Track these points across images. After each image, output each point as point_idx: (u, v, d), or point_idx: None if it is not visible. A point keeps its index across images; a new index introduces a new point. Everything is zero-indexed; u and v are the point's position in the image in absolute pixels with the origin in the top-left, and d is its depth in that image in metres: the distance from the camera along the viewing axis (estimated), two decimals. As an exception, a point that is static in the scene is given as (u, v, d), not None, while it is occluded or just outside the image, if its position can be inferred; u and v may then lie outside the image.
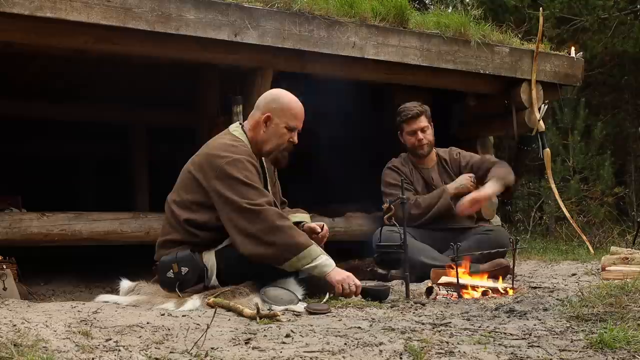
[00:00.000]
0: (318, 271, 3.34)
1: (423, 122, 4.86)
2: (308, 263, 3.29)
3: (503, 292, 3.71)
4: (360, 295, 3.43)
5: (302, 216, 3.73)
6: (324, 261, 3.34)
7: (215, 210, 3.37)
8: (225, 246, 3.41)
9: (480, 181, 4.76)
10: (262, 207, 3.27)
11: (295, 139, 3.58)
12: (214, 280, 3.38)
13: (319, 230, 3.67)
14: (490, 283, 3.85)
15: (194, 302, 3.16)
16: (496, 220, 6.15)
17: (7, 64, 5.16)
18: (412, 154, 4.95)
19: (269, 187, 3.61)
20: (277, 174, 3.84)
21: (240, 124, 3.66)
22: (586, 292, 3.33)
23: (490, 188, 4.57)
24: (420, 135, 4.84)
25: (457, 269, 3.67)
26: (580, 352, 2.28)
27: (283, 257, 3.27)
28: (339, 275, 3.36)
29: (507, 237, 4.68)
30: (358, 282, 3.42)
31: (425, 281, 4.11)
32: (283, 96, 3.59)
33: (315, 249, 3.33)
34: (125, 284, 3.53)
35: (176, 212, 3.45)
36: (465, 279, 3.76)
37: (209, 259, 3.40)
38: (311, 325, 2.71)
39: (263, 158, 3.63)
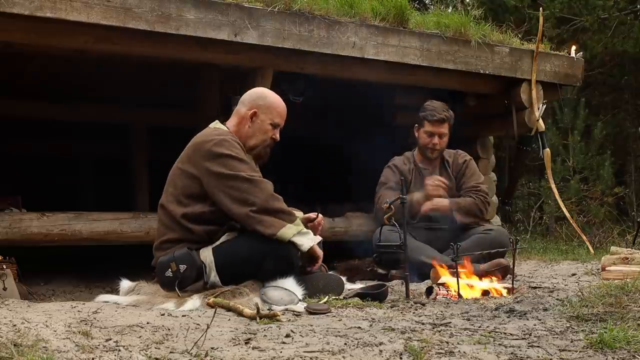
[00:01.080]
0: (308, 237, 3.45)
1: (444, 128, 4.87)
2: (300, 229, 3.41)
3: (503, 292, 3.71)
4: (359, 297, 3.44)
5: (295, 213, 3.76)
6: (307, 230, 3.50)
7: (207, 200, 3.41)
8: (223, 242, 3.43)
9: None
10: (260, 179, 3.41)
11: (278, 136, 3.69)
12: (213, 277, 3.39)
13: (314, 216, 3.73)
14: (490, 283, 3.85)
15: (194, 302, 3.17)
16: (496, 220, 6.16)
17: (7, 64, 5.16)
18: (421, 152, 4.94)
19: None
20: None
21: (221, 122, 3.70)
22: (586, 292, 3.33)
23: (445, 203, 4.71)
24: (437, 140, 4.84)
25: (457, 268, 3.67)
26: (580, 352, 2.28)
27: (283, 221, 3.37)
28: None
29: (507, 237, 4.67)
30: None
31: (425, 281, 4.11)
32: (269, 94, 3.72)
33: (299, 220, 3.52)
34: (125, 284, 3.53)
35: (168, 210, 3.48)
36: (465, 279, 3.76)
37: (207, 255, 3.41)
38: (311, 325, 2.71)
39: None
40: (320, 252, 3.55)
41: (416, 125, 4.97)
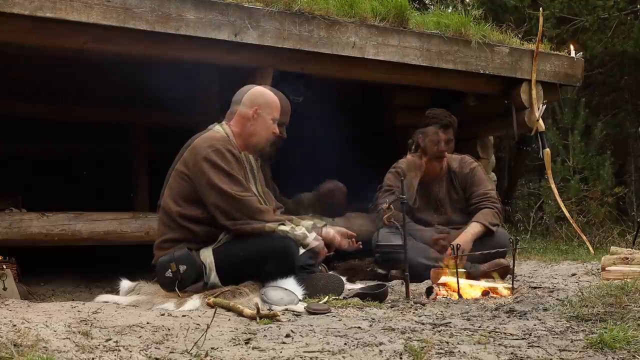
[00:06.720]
0: (309, 235, 3.49)
1: (449, 134, 4.78)
2: (299, 224, 3.47)
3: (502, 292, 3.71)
4: (359, 297, 3.44)
5: (315, 220, 3.83)
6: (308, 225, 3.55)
7: (203, 205, 3.42)
8: (223, 243, 3.44)
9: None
10: (245, 196, 3.41)
11: (283, 133, 3.71)
12: (213, 278, 3.40)
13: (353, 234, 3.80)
14: (490, 283, 3.85)
15: (193, 302, 3.17)
16: (496, 220, 6.14)
17: (7, 64, 5.16)
18: (427, 161, 4.77)
19: (256, 185, 3.65)
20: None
21: (221, 123, 3.70)
22: (586, 292, 3.33)
23: (471, 233, 4.51)
24: (444, 146, 4.72)
25: (457, 269, 3.67)
26: (580, 352, 2.28)
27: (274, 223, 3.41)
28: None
29: (507, 237, 4.66)
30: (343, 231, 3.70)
31: (425, 281, 4.11)
32: (266, 91, 3.73)
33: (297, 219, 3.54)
34: (125, 284, 3.54)
35: (166, 209, 3.50)
36: (465, 280, 3.76)
37: (207, 256, 3.42)
38: (311, 325, 2.71)
39: (251, 156, 3.69)
40: (322, 247, 3.57)
41: (420, 135, 4.80)
